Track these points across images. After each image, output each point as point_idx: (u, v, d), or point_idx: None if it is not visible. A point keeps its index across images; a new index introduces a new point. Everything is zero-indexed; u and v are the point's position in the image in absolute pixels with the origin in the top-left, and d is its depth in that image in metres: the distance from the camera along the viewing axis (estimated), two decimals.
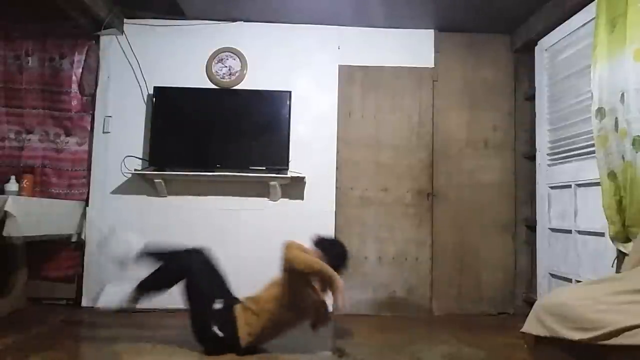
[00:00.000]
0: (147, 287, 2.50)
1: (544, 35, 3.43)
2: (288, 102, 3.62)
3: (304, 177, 3.60)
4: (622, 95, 2.33)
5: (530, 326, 1.75)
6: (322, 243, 2.63)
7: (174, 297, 3.49)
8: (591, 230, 2.83)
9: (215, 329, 2.37)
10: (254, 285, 3.60)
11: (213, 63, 3.75)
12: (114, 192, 3.64)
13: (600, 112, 2.48)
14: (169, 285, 2.51)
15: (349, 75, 3.79)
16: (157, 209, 3.63)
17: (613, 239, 2.44)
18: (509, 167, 3.78)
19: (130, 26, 3.75)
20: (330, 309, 2.57)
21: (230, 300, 2.49)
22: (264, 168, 3.57)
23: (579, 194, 3.01)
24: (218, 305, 2.42)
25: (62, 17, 3.37)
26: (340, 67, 3.79)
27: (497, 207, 3.75)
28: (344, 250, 2.67)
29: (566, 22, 3.14)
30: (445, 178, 3.75)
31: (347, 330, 3.11)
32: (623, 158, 2.33)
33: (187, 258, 2.52)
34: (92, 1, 3.27)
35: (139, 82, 3.71)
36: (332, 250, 2.60)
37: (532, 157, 3.64)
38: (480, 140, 3.80)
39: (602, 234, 2.65)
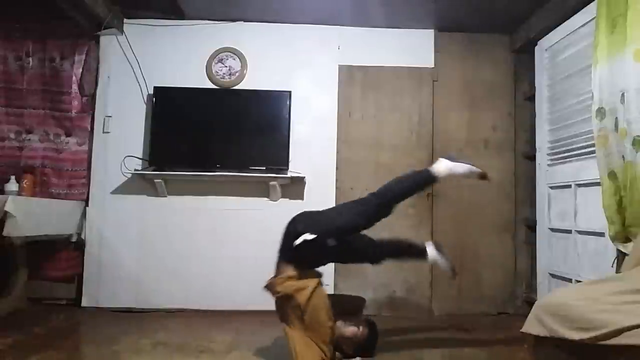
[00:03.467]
0: None
1: (544, 35, 3.43)
2: (288, 102, 3.61)
3: (304, 177, 3.60)
4: (623, 95, 2.33)
5: (530, 326, 1.75)
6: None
7: (174, 297, 3.55)
8: (591, 230, 2.83)
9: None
10: (253, 285, 3.63)
11: (213, 63, 3.75)
12: (114, 192, 3.64)
13: (601, 112, 2.48)
14: None
15: (349, 76, 3.79)
16: (157, 209, 3.63)
17: (613, 239, 2.44)
18: (509, 167, 3.78)
19: (130, 26, 3.75)
20: None
21: None
22: (264, 168, 3.57)
23: (579, 194, 3.01)
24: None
25: (62, 17, 3.37)
26: (340, 67, 3.79)
27: (497, 207, 3.75)
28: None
29: (566, 22, 3.14)
30: None
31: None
32: (623, 158, 2.33)
33: None
34: (92, 1, 3.27)
35: (139, 82, 3.70)
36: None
37: (532, 157, 3.63)
38: (480, 140, 3.80)
39: (602, 234, 2.65)
